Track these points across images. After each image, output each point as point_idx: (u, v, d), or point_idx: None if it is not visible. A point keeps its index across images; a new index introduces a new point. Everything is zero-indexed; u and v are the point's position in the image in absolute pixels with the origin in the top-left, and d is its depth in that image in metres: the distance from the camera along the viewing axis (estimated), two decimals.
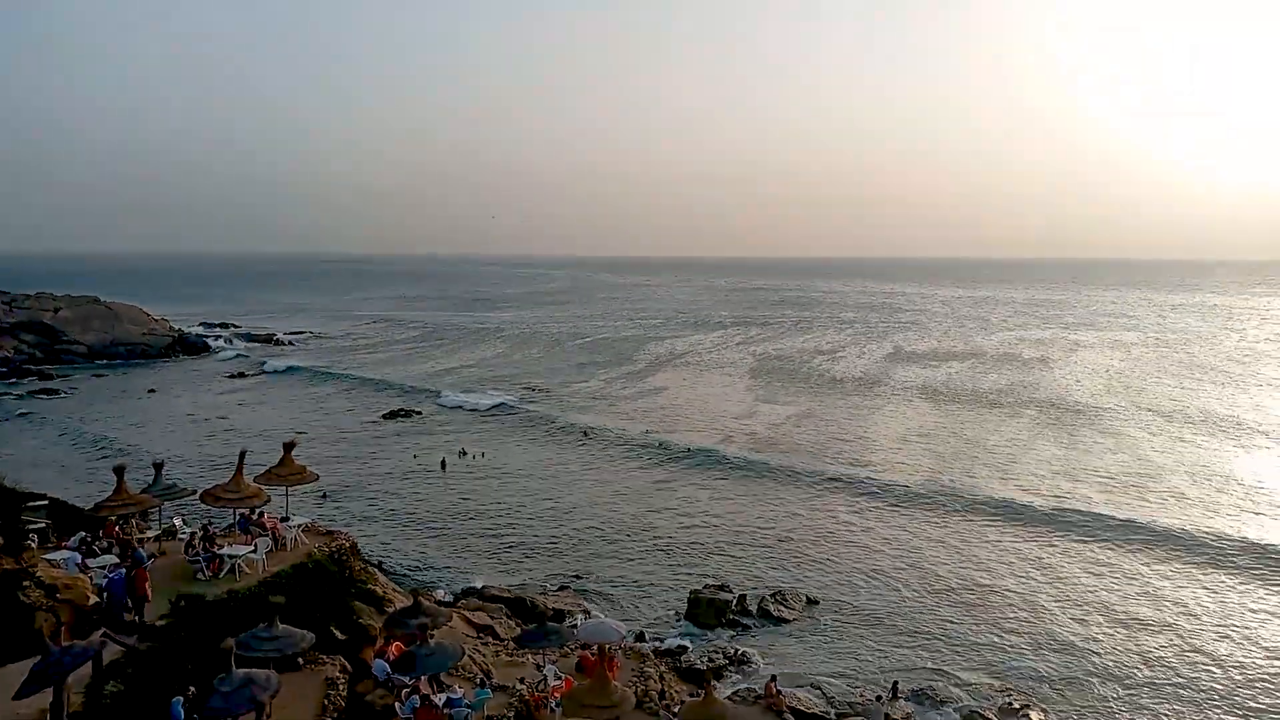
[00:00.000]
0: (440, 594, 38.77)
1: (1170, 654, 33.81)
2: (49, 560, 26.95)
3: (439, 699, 23.62)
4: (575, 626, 31.61)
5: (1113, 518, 48.89)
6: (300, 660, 23.88)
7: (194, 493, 34.45)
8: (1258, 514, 49.80)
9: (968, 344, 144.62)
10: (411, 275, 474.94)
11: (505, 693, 26.38)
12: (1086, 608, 38.05)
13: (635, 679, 28.55)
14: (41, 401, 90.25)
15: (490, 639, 32.28)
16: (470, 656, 28.28)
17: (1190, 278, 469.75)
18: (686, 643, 35.29)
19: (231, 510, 32.72)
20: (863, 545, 46.54)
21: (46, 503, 34.78)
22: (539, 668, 27.91)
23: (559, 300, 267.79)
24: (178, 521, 34.55)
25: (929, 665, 33.46)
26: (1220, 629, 35.91)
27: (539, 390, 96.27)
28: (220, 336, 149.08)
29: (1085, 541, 46.18)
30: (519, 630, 33.68)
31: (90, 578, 26.55)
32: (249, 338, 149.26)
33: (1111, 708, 30.36)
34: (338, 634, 26.27)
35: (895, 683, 31.81)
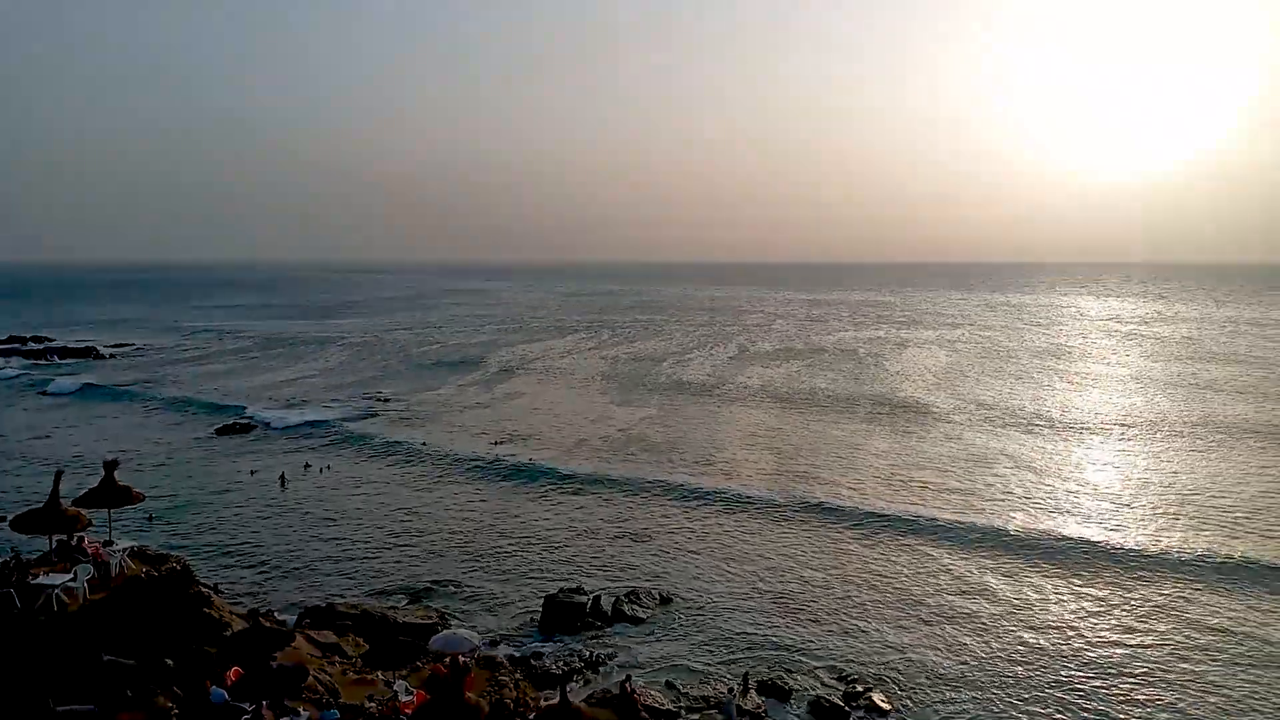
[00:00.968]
0: (282, 615, 37.17)
1: (989, 639, 35.91)
2: None
3: None
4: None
5: (935, 518, 50.47)
6: (129, 692, 22.43)
7: (3, 519, 31.79)
8: (1061, 510, 52.49)
9: (808, 343, 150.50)
10: (250, 284, 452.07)
11: (354, 712, 25.57)
12: (915, 600, 39.86)
13: (490, 689, 28.25)
14: None
15: (337, 658, 31.20)
16: (315, 677, 27.25)
17: (1014, 279, 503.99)
18: (542, 648, 35.20)
19: (48, 537, 30.37)
20: (711, 545, 47.48)
21: None
22: (389, 684, 27.21)
23: (404, 307, 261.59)
24: None
25: (778, 658, 34.50)
26: (1030, 617, 38.32)
27: (385, 400, 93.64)
28: None
29: (909, 537, 47.95)
30: (367, 647, 32.74)
31: None
32: (61, 352, 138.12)
33: (945, 689, 32.13)
34: (169, 663, 24.82)
35: (746, 675, 32.71)
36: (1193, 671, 32.25)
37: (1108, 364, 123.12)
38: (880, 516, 50.90)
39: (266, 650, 23.14)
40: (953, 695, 31.39)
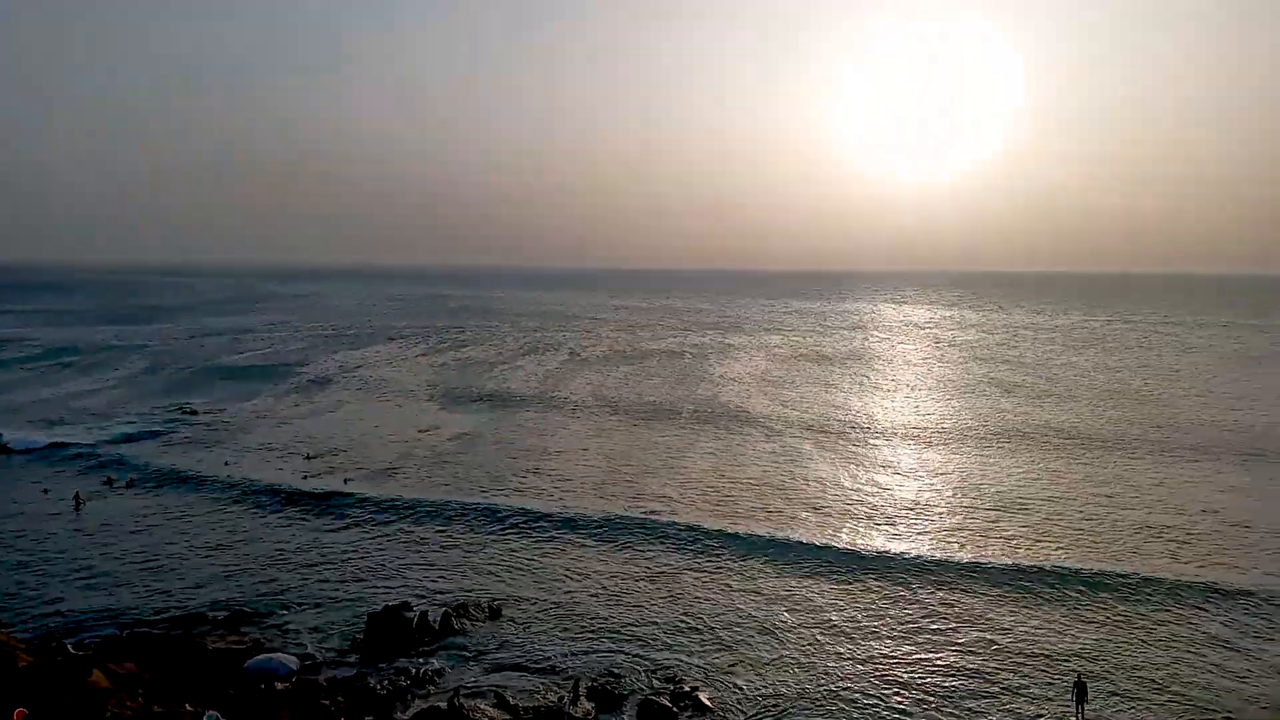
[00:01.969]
0: (77, 647, 34.29)
1: (806, 645, 37.45)
2: None
3: None
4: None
5: (753, 532, 50.19)
6: None
7: None
8: (867, 520, 54.27)
9: (635, 349, 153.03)
10: (56, 286, 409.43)
11: None
12: (731, 607, 40.74)
13: (309, 714, 27.15)
14: None
15: (141, 691, 29.14)
16: (114, 714, 25.36)
17: (825, 287, 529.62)
18: (367, 670, 34.05)
19: None
20: (539, 559, 47.04)
21: None
22: (198, 716, 25.69)
23: (220, 310, 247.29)
24: None
25: (607, 664, 34.85)
26: (841, 623, 40.33)
27: (194, 412, 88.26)
28: None
29: (729, 548, 47.99)
30: (175, 677, 30.77)
31: None
32: None
33: (765, 687, 33.46)
34: None
35: (576, 682, 32.85)
36: (970, 670, 34.26)
37: (909, 369, 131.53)
38: (701, 530, 50.36)
39: (58, 687, 21.31)
40: (772, 692, 32.74)
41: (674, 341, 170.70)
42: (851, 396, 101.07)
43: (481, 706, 30.74)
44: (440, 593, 41.90)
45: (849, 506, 56.00)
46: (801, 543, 48.23)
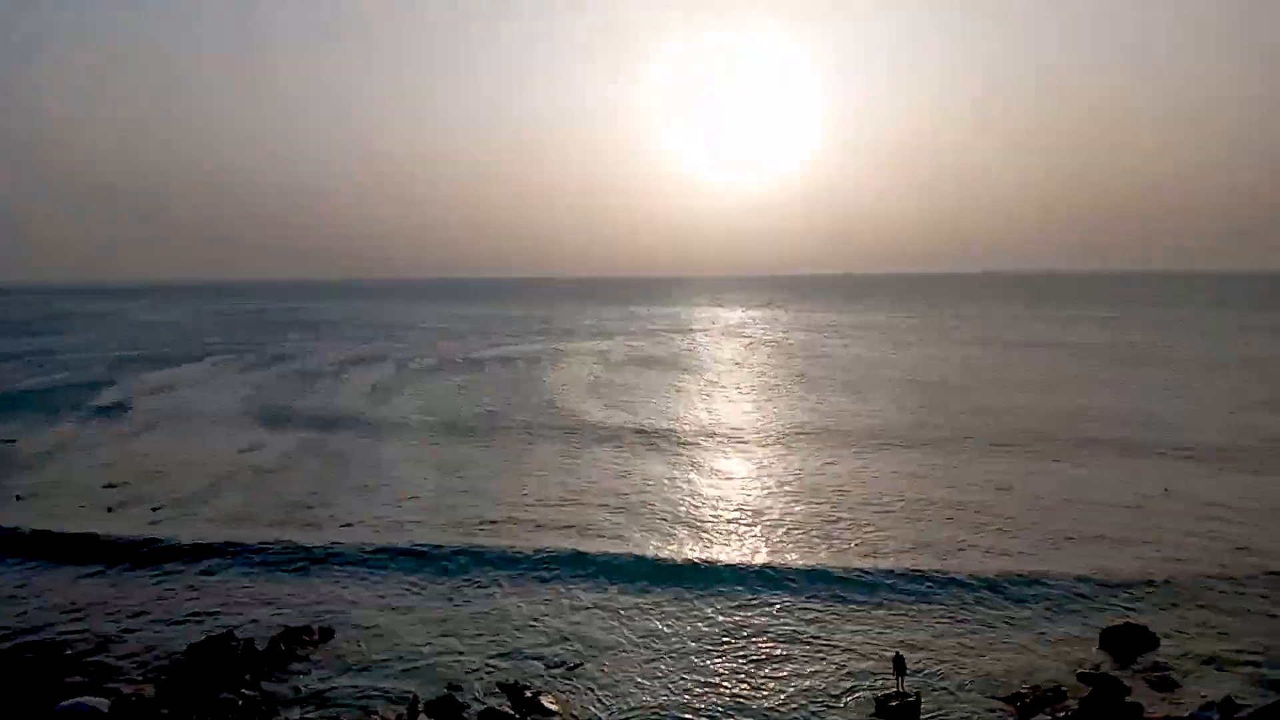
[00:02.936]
0: None
1: (636, 650, 38.80)
2: None
3: None
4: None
5: (578, 548, 48.55)
6: None
7: None
8: (693, 532, 55.03)
9: (466, 358, 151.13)
10: None
11: None
12: (568, 622, 40.75)
13: None
14: None
15: None
16: None
17: (653, 292, 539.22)
18: (188, 705, 32.23)
19: None
20: (368, 583, 45.17)
21: None
22: None
23: (12, 331, 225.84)
24: None
25: (445, 678, 34.57)
26: (658, 635, 41.72)
27: None
28: None
29: (553, 566, 46.43)
30: None
31: None
32: None
33: (603, 691, 34.13)
34: None
35: (414, 698, 32.35)
36: (775, 676, 35.66)
37: (734, 371, 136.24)
38: (534, 548, 48.38)
39: None
40: (617, 693, 33.53)
41: (506, 349, 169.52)
42: (680, 400, 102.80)
43: None
44: (267, 620, 40.18)
45: (680, 515, 55.54)
46: (636, 556, 47.45)
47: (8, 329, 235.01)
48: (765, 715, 31.77)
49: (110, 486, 63.70)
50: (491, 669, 35.33)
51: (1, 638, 38.44)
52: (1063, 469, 65.86)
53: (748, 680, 34.08)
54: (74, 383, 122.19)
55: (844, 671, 34.59)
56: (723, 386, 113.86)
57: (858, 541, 49.69)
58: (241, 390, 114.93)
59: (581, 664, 35.64)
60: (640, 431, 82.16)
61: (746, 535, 51.38)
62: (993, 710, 31.86)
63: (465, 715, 31.65)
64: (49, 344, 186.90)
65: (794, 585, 43.23)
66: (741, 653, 36.37)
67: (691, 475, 65.78)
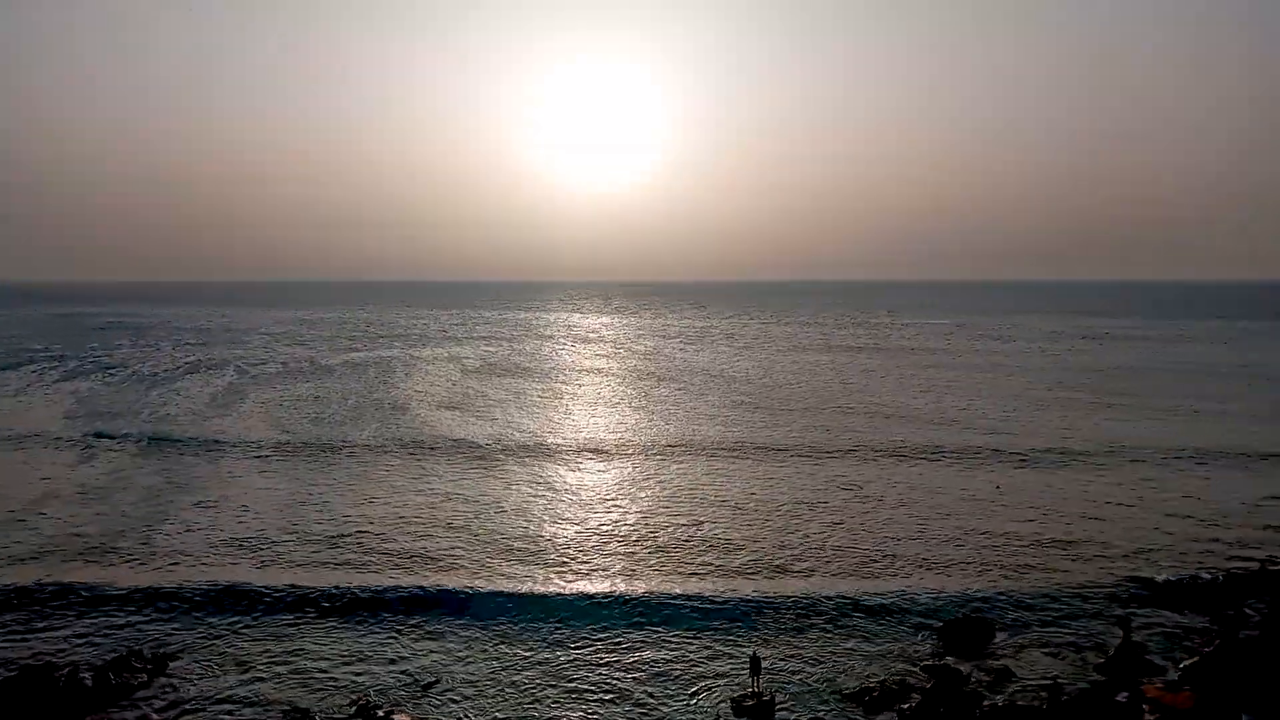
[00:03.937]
0: None
1: (492, 677, 38.12)
2: None
3: None
4: None
5: (409, 585, 44.70)
6: None
7: None
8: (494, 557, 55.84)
9: (313, 364, 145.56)
10: None
11: None
12: (406, 645, 40.63)
13: None
14: None
15: None
16: None
17: (513, 297, 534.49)
18: None
19: None
20: (202, 610, 42.47)
21: None
22: None
23: None
24: None
25: (288, 700, 33.31)
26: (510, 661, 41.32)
27: None
28: None
29: (394, 606, 43.18)
30: None
31: None
32: None
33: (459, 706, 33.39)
34: None
35: None
36: (633, 687, 36.47)
37: (591, 379, 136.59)
38: (375, 587, 44.17)
39: None
40: (469, 709, 32.88)
41: (355, 356, 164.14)
42: (534, 412, 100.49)
43: None
44: (95, 648, 37.36)
45: (531, 540, 52.56)
46: (483, 591, 43.93)
47: None
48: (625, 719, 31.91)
49: None
50: (341, 691, 34.03)
51: None
52: (898, 472, 68.98)
53: (606, 691, 34.09)
54: None
55: (700, 677, 35.09)
56: (577, 396, 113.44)
57: (708, 557, 49.29)
58: (53, 405, 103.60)
59: (436, 680, 34.80)
60: (492, 447, 78.95)
61: (594, 558, 49.17)
62: (844, 705, 33.00)
63: None
64: None
65: (649, 607, 42.04)
66: (598, 667, 36.25)
67: (543, 495, 62.84)
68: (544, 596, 43.46)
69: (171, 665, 35.95)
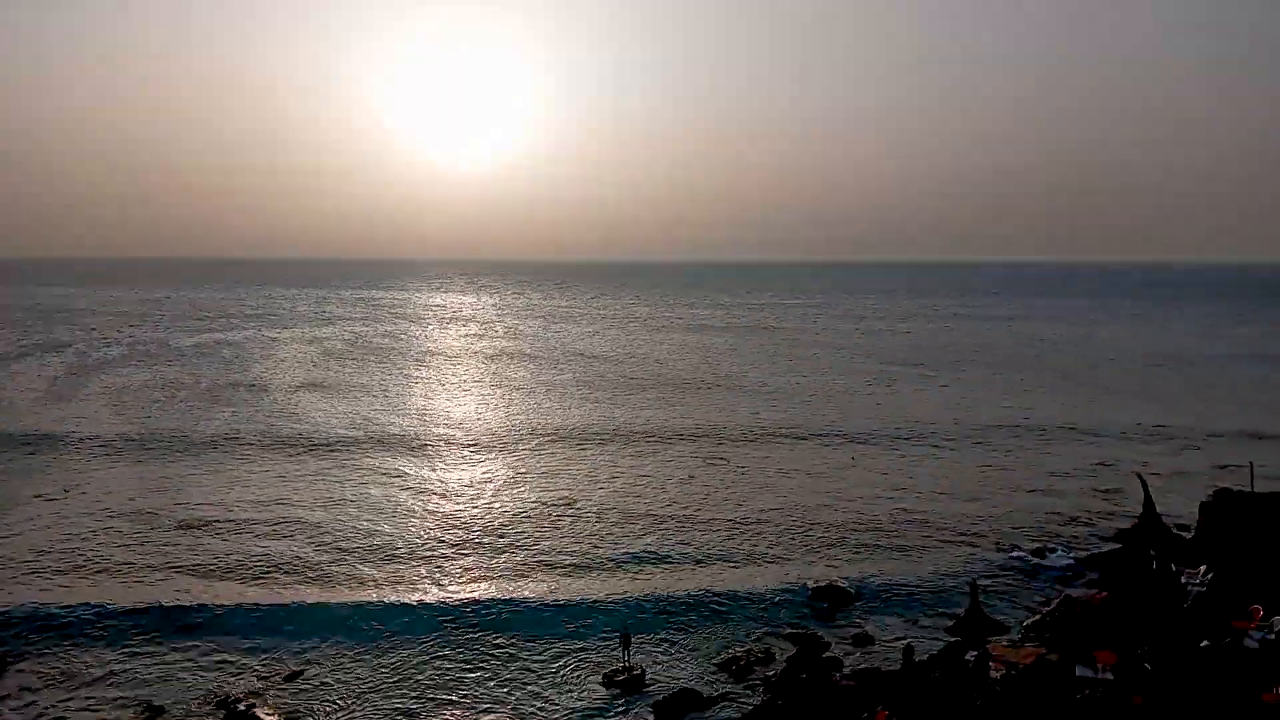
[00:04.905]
0: None
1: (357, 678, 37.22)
2: None
3: None
4: None
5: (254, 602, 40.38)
6: None
7: None
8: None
9: (164, 347, 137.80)
10: None
11: None
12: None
13: None
14: None
15: None
16: None
17: (384, 276, 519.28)
18: None
19: None
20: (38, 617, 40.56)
21: None
22: None
23: None
24: None
25: (143, 699, 31.91)
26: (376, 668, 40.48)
27: None
28: None
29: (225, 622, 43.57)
30: None
31: None
32: None
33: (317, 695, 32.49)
34: None
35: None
36: (501, 673, 35.82)
37: (461, 362, 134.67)
38: (222, 606, 39.72)
39: None
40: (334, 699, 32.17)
41: (209, 337, 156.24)
42: (399, 397, 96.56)
43: None
44: None
45: (387, 541, 49.10)
46: (340, 601, 40.53)
47: None
48: (498, 702, 31.74)
49: None
50: (198, 688, 32.62)
51: None
52: (757, 451, 70.40)
53: (475, 680, 33.68)
54: None
55: (571, 658, 35.22)
56: (440, 381, 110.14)
57: (572, 547, 47.72)
58: None
59: (302, 671, 33.76)
60: (353, 436, 74.66)
61: (457, 557, 46.30)
62: (713, 674, 33.89)
63: None
64: None
65: (511, 604, 39.88)
66: (463, 660, 35.28)
67: (403, 489, 59.34)
68: (407, 603, 40.15)
69: (7, 674, 33.52)
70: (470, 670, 34.17)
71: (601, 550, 47.47)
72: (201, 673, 33.75)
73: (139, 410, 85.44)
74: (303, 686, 32.79)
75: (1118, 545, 44.49)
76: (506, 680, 33.37)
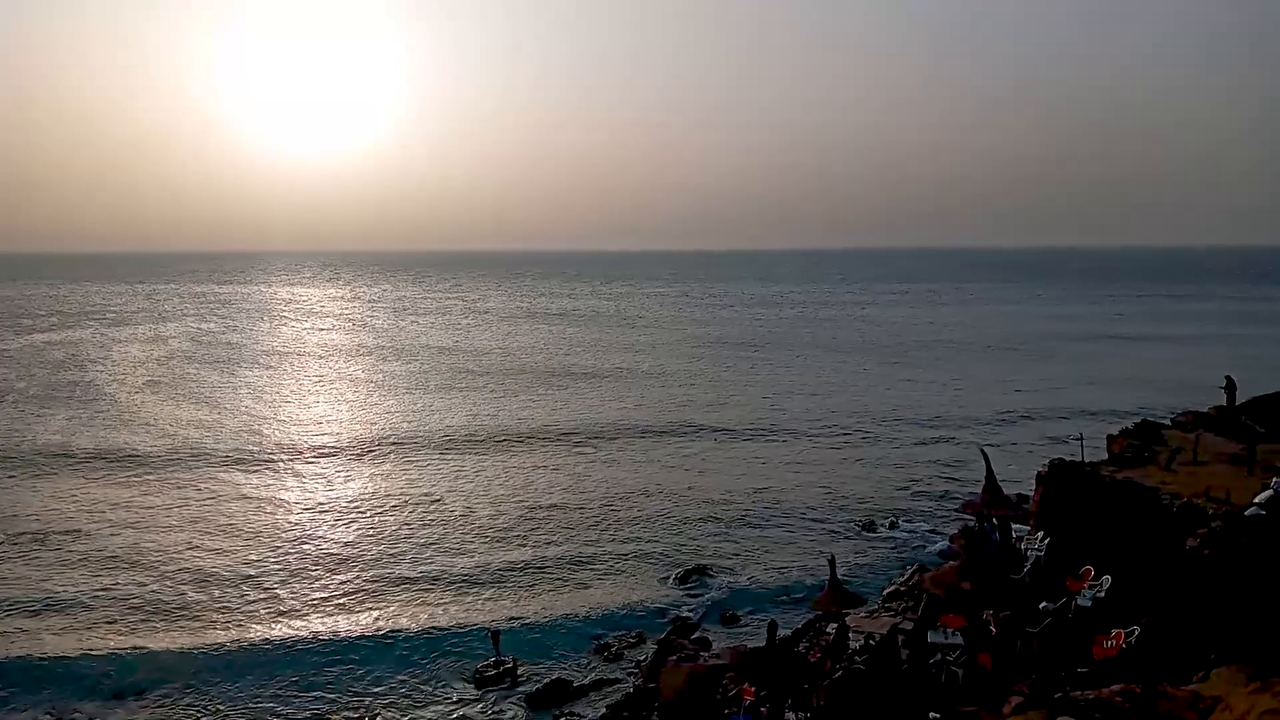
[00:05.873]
0: None
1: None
2: None
3: None
4: None
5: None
6: None
7: None
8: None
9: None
10: None
11: None
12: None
13: None
14: None
15: None
16: None
17: (233, 268, 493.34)
18: None
19: None
20: None
21: None
22: None
23: None
24: None
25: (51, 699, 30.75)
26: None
27: None
28: None
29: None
30: None
31: None
32: None
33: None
34: None
35: None
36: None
37: (328, 361, 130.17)
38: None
39: None
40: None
41: (36, 338, 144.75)
42: (249, 401, 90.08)
43: None
44: None
45: (231, 572, 42.95)
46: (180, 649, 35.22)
47: None
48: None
49: None
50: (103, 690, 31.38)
51: None
52: (612, 446, 70.24)
53: (337, 689, 32.49)
54: None
55: (441, 656, 34.60)
56: (292, 381, 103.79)
57: (428, 563, 44.20)
58: None
59: (145, 690, 31.82)
60: (201, 447, 67.70)
61: (304, 586, 41.20)
62: (586, 662, 34.21)
63: None
64: None
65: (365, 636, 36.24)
66: (325, 668, 33.70)
67: (251, 507, 53.78)
68: (241, 641, 35.73)
69: None
70: (326, 697, 32.19)
71: (465, 560, 44.86)
72: None
73: None
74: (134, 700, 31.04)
75: (967, 518, 47.15)
76: (365, 695, 32.11)
